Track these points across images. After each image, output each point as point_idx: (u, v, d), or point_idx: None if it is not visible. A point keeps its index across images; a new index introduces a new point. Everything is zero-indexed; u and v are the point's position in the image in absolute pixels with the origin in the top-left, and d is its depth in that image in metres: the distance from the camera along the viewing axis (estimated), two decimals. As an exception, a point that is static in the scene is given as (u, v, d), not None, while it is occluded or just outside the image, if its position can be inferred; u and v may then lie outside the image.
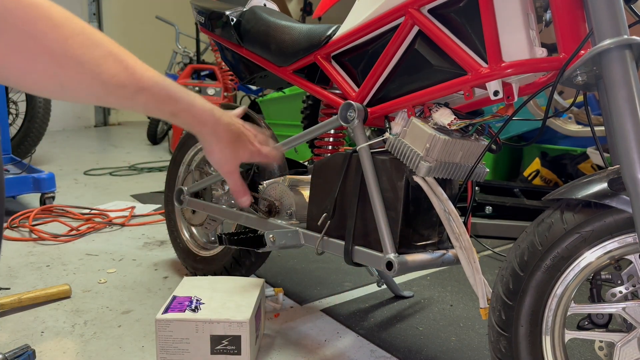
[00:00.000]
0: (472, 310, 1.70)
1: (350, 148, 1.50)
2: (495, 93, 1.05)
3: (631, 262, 0.92)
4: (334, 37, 1.33)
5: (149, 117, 5.50)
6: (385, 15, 1.19)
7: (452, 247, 1.29)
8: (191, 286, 1.42)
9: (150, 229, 2.54)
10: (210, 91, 4.76)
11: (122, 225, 2.57)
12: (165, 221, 2.02)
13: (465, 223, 1.14)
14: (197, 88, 4.73)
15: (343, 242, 1.25)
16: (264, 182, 1.54)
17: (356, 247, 1.22)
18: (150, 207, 2.89)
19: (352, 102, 1.24)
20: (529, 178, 2.97)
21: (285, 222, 1.43)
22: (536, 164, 2.98)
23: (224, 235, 1.26)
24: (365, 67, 1.27)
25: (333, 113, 1.46)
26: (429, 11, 1.13)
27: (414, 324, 1.60)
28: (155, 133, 5.48)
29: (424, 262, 1.19)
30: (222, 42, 1.68)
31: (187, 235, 1.91)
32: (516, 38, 1.02)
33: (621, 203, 0.89)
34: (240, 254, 1.67)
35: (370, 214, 1.21)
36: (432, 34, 1.11)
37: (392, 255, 1.13)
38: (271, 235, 1.28)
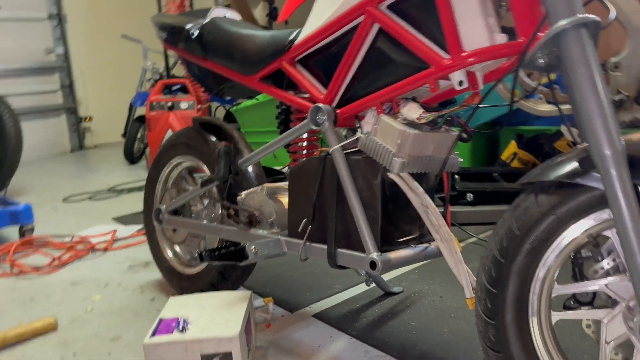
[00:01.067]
0: (462, 300, 1.70)
1: (326, 149, 1.49)
2: (460, 83, 1.05)
3: (609, 238, 0.93)
4: (297, 42, 1.33)
5: (123, 136, 5.44)
6: (345, 16, 1.19)
7: (434, 240, 1.30)
8: (178, 306, 1.40)
9: (134, 250, 2.51)
10: (184, 105, 4.72)
11: (105, 250, 2.53)
12: (147, 242, 1.99)
13: (444, 215, 1.14)
14: (169, 103, 4.70)
15: (326, 246, 1.24)
16: (242, 192, 1.52)
17: (339, 250, 1.21)
18: (132, 229, 2.85)
19: (321, 104, 1.23)
20: (507, 161, 2.99)
21: (267, 232, 1.42)
22: (513, 147, 3.01)
23: (204, 252, 1.24)
24: (331, 69, 1.27)
25: (304, 117, 1.45)
26: (388, 7, 1.12)
27: (406, 319, 1.60)
28: (132, 152, 5.42)
29: (407, 258, 1.19)
30: (187, 57, 1.66)
31: (170, 254, 1.89)
32: (475, 26, 1.02)
33: (593, 180, 0.89)
34: (226, 268, 1.65)
35: (350, 215, 1.21)
36: (392, 30, 1.11)
37: (374, 255, 1.13)
38: (253, 247, 1.26)
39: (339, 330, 1.55)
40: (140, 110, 5.22)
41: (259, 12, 6.10)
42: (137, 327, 1.67)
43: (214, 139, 1.70)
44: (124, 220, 3.09)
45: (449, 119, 1.18)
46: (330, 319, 1.63)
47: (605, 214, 0.90)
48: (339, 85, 1.24)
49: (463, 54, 1.02)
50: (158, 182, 1.91)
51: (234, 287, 1.71)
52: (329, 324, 1.60)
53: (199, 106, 4.69)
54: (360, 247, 1.19)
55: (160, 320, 1.34)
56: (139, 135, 5.40)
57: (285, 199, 1.48)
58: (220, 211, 1.60)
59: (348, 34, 1.22)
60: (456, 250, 1.09)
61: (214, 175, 1.46)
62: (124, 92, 6.52)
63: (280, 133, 3.60)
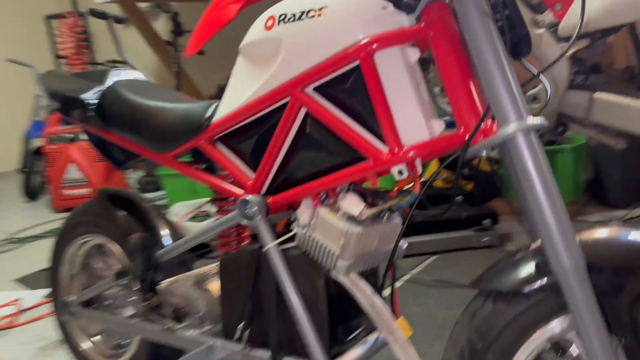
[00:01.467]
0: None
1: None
2: (400, 172, 0.96)
3: (571, 343, 0.88)
4: (216, 119, 1.18)
5: (21, 171, 4.94)
6: (269, 96, 1.06)
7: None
8: None
9: (46, 324, 2.23)
10: (85, 137, 4.34)
11: (9, 327, 2.22)
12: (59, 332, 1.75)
13: (392, 309, 1.06)
14: (70, 135, 4.30)
15: (268, 353, 1.12)
16: (163, 282, 1.35)
17: (285, 358, 1.09)
18: (40, 293, 2.55)
19: (249, 197, 1.10)
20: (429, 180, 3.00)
21: (198, 331, 1.26)
22: (435, 166, 3.02)
23: None
24: (258, 151, 1.13)
25: (228, 204, 1.31)
26: (316, 90, 1.01)
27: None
28: (31, 187, 4.94)
29: (362, 358, 1.09)
30: (86, 127, 1.46)
31: (88, 346, 1.67)
32: (412, 119, 0.94)
33: (553, 289, 0.84)
34: (155, 358, 1.48)
35: (291, 317, 1.09)
36: (321, 117, 1.00)
37: (325, 367, 1.02)
38: (184, 369, 1.11)
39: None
40: (37, 141, 4.75)
41: (161, 26, 5.78)
42: None
43: (125, 214, 1.51)
44: (29, 281, 2.76)
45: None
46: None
47: (567, 319, 0.86)
48: (268, 170, 1.11)
49: (404, 149, 0.93)
50: (62, 263, 1.68)
51: (164, 378, 1.54)
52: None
53: (104, 135, 4.34)
54: (307, 353, 1.08)
55: None
56: (36, 168, 4.92)
57: (214, 287, 1.34)
58: (139, 304, 1.42)
59: (274, 114, 1.09)
60: (414, 355, 1.00)
61: (129, 270, 1.28)
62: (15, 118, 5.94)
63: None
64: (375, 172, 0.96)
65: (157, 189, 4.57)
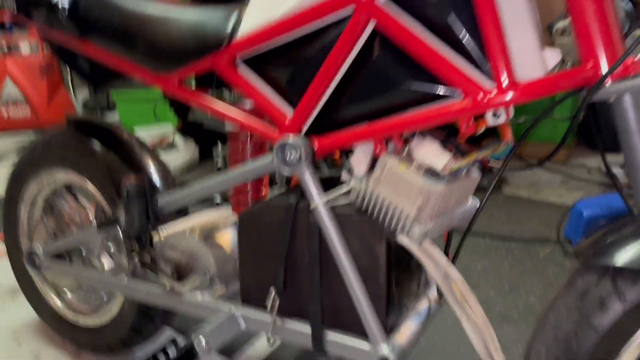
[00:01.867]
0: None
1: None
2: (496, 116, 0.76)
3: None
4: (241, 34, 0.91)
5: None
6: (323, 6, 0.80)
7: (426, 292, 1.05)
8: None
9: (-8, 268, 1.93)
10: (24, 48, 3.80)
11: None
12: (18, 283, 1.48)
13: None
14: (5, 46, 3.74)
15: (306, 326, 0.92)
16: (160, 231, 1.11)
17: (328, 334, 0.90)
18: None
19: (291, 137, 0.86)
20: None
21: (207, 294, 1.05)
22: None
23: None
24: (300, 79, 0.88)
25: (256, 145, 1.06)
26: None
27: None
28: (-41, 104, 4.35)
29: (418, 333, 0.93)
30: (53, 35, 1.13)
31: (56, 299, 1.42)
32: (528, 48, 0.73)
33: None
34: (141, 322, 1.25)
35: (338, 285, 0.89)
36: (398, 35, 0.76)
37: (385, 350, 0.84)
38: (204, 341, 0.90)
39: (298, 382, 1.28)
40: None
41: None
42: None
43: (103, 149, 1.23)
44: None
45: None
46: (282, 364, 1.34)
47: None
48: (314, 103, 0.87)
49: (518, 86, 0.72)
50: (22, 203, 1.39)
51: (150, 338, 1.33)
52: (283, 374, 1.31)
53: (45, 49, 3.80)
54: (355, 327, 0.89)
55: None
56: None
57: (226, 242, 1.11)
58: (128, 259, 1.18)
59: (329, 30, 0.84)
60: (493, 337, 0.84)
61: (126, 228, 1.03)
62: None
63: (178, 116, 2.98)
64: (472, 113, 0.75)
65: (105, 110, 4.14)
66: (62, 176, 1.29)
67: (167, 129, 3.08)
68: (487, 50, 0.73)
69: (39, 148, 1.30)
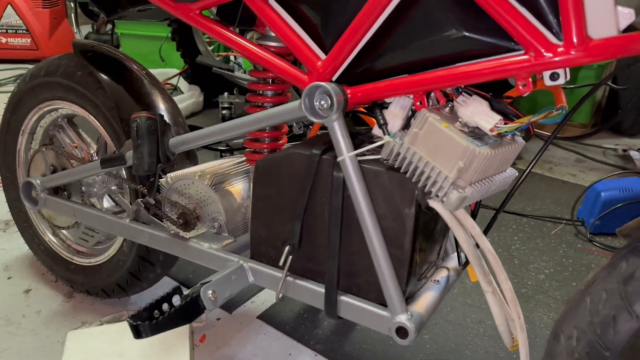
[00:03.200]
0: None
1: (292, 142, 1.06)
2: (554, 77, 0.68)
3: None
4: (274, -38, 0.82)
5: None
6: None
7: (445, 261, 0.99)
8: (84, 354, 0.96)
9: (-16, 198, 1.86)
10: (27, -27, 3.62)
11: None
12: (12, 216, 1.42)
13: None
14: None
15: (318, 286, 0.87)
16: (168, 175, 1.04)
17: (342, 297, 0.85)
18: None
19: (324, 83, 0.78)
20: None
21: (215, 243, 0.99)
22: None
23: (140, 324, 0.78)
24: (336, 19, 0.80)
25: (279, 89, 0.98)
26: None
27: (374, 318, 1.33)
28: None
29: (436, 303, 0.87)
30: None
31: (51, 237, 1.36)
32: (603, 3, 0.64)
33: None
34: (140, 266, 1.20)
35: (357, 248, 0.84)
36: (461, -23, 0.67)
37: (403, 318, 0.79)
38: (210, 292, 0.84)
39: (297, 342, 1.24)
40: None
41: None
42: (13, 347, 1.19)
43: (110, 80, 1.14)
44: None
45: (514, 119, 0.81)
46: (280, 322, 1.30)
47: None
48: (350, 48, 0.78)
49: (590, 44, 0.64)
50: (20, 133, 1.31)
51: (149, 287, 1.29)
52: (282, 332, 1.27)
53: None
54: (370, 292, 0.84)
55: (62, 387, 0.90)
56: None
57: (236, 190, 1.05)
58: (131, 200, 1.11)
59: (372, -34, 0.75)
60: (519, 314, 0.79)
61: (133, 166, 0.95)
62: None
63: (184, 59, 2.89)
64: (534, 70, 0.67)
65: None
66: (65, 106, 1.21)
67: (171, 72, 2.97)
68: (560, 5, 0.64)
69: (41, 74, 1.21)
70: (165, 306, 0.81)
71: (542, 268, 1.55)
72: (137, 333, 0.78)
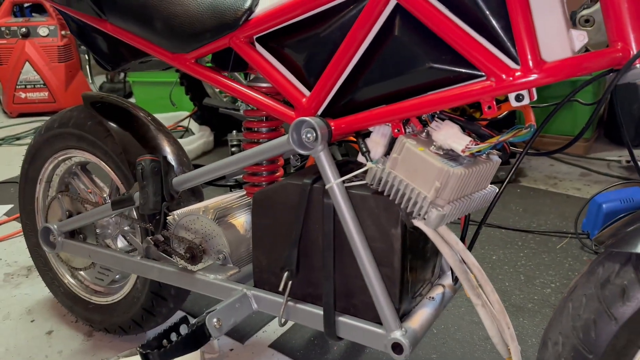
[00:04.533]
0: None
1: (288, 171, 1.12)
2: (519, 98, 0.74)
3: None
4: (258, 12, 0.90)
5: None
6: (344, -17, 0.79)
7: (440, 279, 1.03)
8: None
9: (8, 247, 1.96)
10: (43, 31, 3.83)
11: (-35, 248, 1.94)
12: (34, 263, 1.49)
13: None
14: (23, 29, 3.77)
15: (317, 309, 0.92)
16: (174, 212, 1.11)
17: (340, 318, 0.89)
18: (0, 210, 2.25)
19: (308, 118, 0.84)
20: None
21: (220, 274, 1.04)
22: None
23: (150, 354, 0.84)
24: (317, 59, 0.87)
25: (272, 125, 1.04)
26: (414, -23, 0.74)
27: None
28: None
29: (431, 320, 0.91)
30: (71, 13, 1.12)
31: (70, 278, 1.43)
32: (555, 27, 0.71)
33: None
34: (153, 301, 1.26)
35: (350, 270, 0.89)
36: (422, 13, 0.74)
37: (398, 334, 0.83)
38: (215, 320, 0.89)
39: (309, 367, 1.28)
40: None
41: None
42: (36, 390, 1.25)
43: (118, 128, 1.23)
44: (-17, 195, 2.43)
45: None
46: (292, 350, 1.34)
47: None
48: (332, 84, 0.85)
49: (544, 67, 0.70)
50: (38, 181, 1.40)
51: (162, 321, 1.34)
52: (293, 359, 1.30)
53: (63, 32, 3.84)
54: (366, 311, 0.89)
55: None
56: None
57: (240, 222, 1.11)
58: (142, 239, 1.18)
59: (348, 6, 0.82)
60: (509, 324, 0.83)
61: (140, 206, 1.02)
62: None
63: (193, 102, 2.99)
64: (495, 94, 0.73)
65: (124, 97, 4.16)
66: (78, 155, 1.30)
67: (181, 115, 3.09)
68: (513, 29, 0.70)
69: (55, 126, 1.30)
70: (173, 335, 0.86)
71: (549, 282, 1.57)
72: (146, 359, 0.83)
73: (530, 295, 1.51)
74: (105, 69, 1.19)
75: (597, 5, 1.85)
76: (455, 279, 0.98)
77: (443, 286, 1.00)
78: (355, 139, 0.97)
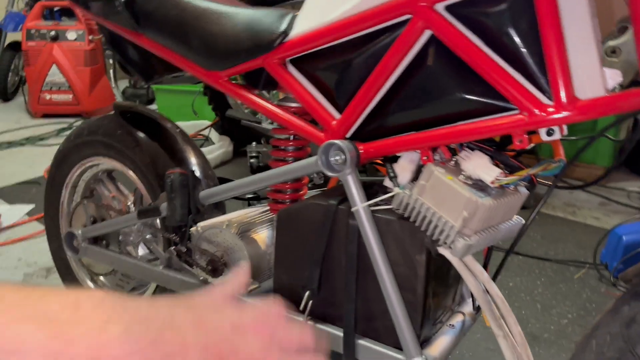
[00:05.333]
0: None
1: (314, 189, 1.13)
2: (550, 133, 0.75)
3: None
4: (293, 35, 0.91)
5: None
6: (380, 11, 0.80)
7: (460, 306, 1.03)
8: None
9: (28, 247, 1.99)
10: (71, 35, 3.92)
11: (-13, 247, 1.98)
12: (55, 267, 1.52)
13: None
14: (52, 32, 3.86)
15: (337, 330, 0.92)
16: (198, 225, 1.12)
17: (360, 341, 0.90)
18: (21, 210, 2.28)
19: (338, 141, 0.86)
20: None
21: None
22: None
23: None
24: (349, 83, 0.88)
25: (299, 144, 1.06)
26: (449, 10, 0.76)
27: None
28: (5, 86, 4.50)
29: (451, 347, 0.91)
30: (107, 25, 1.16)
31: (89, 283, 1.45)
32: (589, 65, 0.71)
33: None
34: (172, 311, 1.27)
35: (373, 293, 0.89)
36: (456, 46, 0.75)
37: (418, 360, 0.83)
38: (236, 335, 0.90)
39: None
40: (13, 36, 4.27)
41: None
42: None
43: (146, 138, 1.25)
44: (7, 195, 2.48)
45: (516, 170, 0.87)
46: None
47: None
48: (362, 108, 0.86)
49: (577, 104, 0.70)
50: (65, 186, 1.42)
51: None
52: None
53: (90, 37, 3.92)
54: (386, 335, 0.89)
55: None
56: (12, 66, 4.46)
57: (261, 237, 1.12)
58: (164, 249, 1.19)
59: (382, 35, 0.83)
60: (530, 357, 0.83)
61: (167, 217, 1.04)
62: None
63: (215, 110, 3.02)
64: (527, 129, 0.74)
65: (146, 103, 4.22)
66: (105, 162, 1.32)
67: (203, 124, 3.13)
68: (547, 65, 0.71)
69: (84, 133, 1.33)
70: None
71: (565, 313, 1.55)
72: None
73: (547, 325, 1.49)
74: (129, 74, 1.22)
75: (625, 37, 1.85)
76: (478, 308, 0.98)
77: (463, 314, 1.00)
78: (381, 163, 0.98)
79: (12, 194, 2.48)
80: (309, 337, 0.47)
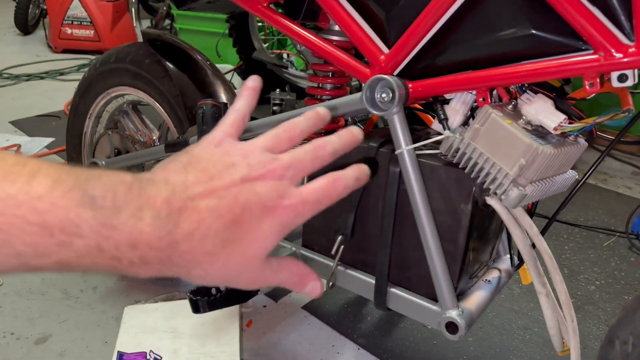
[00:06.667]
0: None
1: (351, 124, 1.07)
2: (622, 78, 0.67)
3: None
4: (344, -42, 0.84)
5: (14, -1, 4.37)
6: None
7: (496, 262, 0.99)
8: (140, 329, 1.01)
9: (48, 179, 1.96)
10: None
11: (7, 175, 1.96)
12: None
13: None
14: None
15: (368, 278, 0.88)
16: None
17: (392, 289, 0.86)
18: (41, 143, 2.26)
19: (387, 76, 0.79)
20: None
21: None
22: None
23: (198, 300, 0.82)
24: (401, 14, 0.81)
25: (338, 82, 0.99)
26: None
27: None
28: (26, 19, 4.42)
29: (486, 303, 0.87)
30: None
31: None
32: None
33: None
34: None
35: (409, 241, 0.85)
36: (532, -25, 0.67)
37: (454, 314, 0.79)
38: (265, 275, 0.87)
39: (340, 334, 1.25)
40: (34, -34, 4.16)
41: None
42: (71, 320, 1.26)
43: (176, 69, 1.19)
44: (26, 126, 2.45)
45: (577, 120, 0.80)
46: (324, 314, 1.32)
47: None
48: (414, 43, 0.79)
49: (665, 45, 0.63)
50: (88, 116, 1.38)
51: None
52: (325, 323, 1.29)
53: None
54: (420, 286, 0.85)
55: (120, 357, 0.95)
56: (33, -2, 4.37)
57: (291, 180, 1.07)
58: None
59: (441, -38, 0.75)
60: (573, 317, 0.78)
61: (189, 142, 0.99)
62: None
63: (240, 56, 2.92)
64: (602, 70, 0.67)
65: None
66: (132, 93, 1.27)
67: (226, 68, 3.04)
68: (634, 7, 0.63)
69: (111, 60, 1.27)
70: (222, 286, 0.84)
71: (593, 279, 1.51)
72: (196, 308, 0.81)
73: (574, 290, 1.45)
74: (151, 13, 1.15)
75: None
76: (517, 265, 0.94)
77: (499, 270, 0.96)
78: (421, 108, 0.92)
79: (31, 126, 2.45)
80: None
